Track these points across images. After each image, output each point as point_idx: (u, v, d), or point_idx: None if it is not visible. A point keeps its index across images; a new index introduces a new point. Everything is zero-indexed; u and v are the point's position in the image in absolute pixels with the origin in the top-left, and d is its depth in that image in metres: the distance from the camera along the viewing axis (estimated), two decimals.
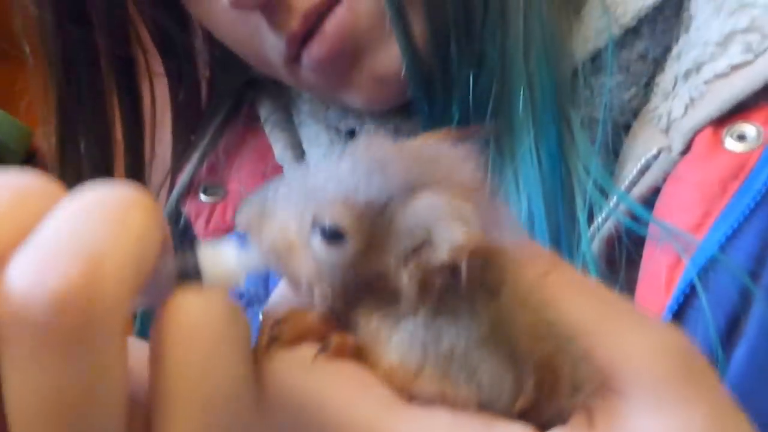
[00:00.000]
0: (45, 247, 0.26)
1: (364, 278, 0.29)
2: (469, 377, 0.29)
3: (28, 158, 0.89)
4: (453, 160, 0.30)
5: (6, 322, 0.25)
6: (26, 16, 0.61)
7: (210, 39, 0.65)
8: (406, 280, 0.28)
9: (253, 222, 0.30)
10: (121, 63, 0.66)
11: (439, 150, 0.31)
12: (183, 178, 0.64)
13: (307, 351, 0.30)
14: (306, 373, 0.30)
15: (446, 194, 0.28)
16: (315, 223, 0.29)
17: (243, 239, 0.31)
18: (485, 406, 0.29)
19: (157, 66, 0.67)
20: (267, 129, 0.64)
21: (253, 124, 0.66)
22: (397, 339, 0.29)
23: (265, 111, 0.65)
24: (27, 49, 0.63)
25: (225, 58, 0.64)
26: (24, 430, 0.26)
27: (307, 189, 0.29)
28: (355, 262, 0.29)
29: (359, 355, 0.30)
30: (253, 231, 0.30)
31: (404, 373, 0.29)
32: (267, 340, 0.30)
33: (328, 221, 0.28)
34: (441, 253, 0.28)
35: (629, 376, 0.29)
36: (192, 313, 0.28)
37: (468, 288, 0.29)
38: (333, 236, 0.28)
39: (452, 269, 0.28)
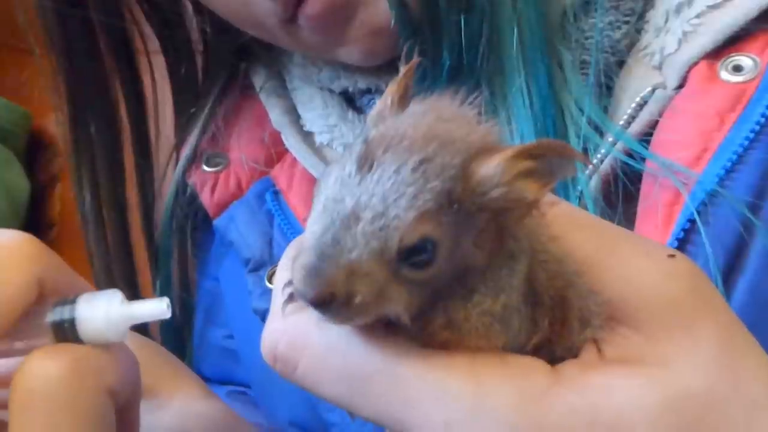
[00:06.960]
0: None
1: (447, 273, 0.28)
2: (505, 328, 0.29)
3: (33, 140, 0.90)
4: (462, 121, 0.29)
5: None
6: (27, 7, 0.63)
7: (200, 10, 0.66)
8: (479, 255, 0.28)
9: (333, 284, 0.26)
10: (120, 45, 0.67)
11: (442, 115, 0.29)
12: (187, 150, 0.66)
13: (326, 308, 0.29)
14: (326, 327, 0.29)
15: (499, 157, 0.27)
16: (403, 251, 0.26)
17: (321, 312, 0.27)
18: (506, 348, 0.29)
19: (154, 46, 0.68)
20: (263, 97, 0.65)
21: (248, 92, 0.67)
22: (463, 318, 0.29)
23: (259, 79, 0.66)
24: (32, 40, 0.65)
25: (217, 28, 0.65)
26: None
27: (363, 222, 0.26)
28: (446, 262, 0.27)
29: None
30: (338, 300, 0.26)
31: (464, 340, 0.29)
32: (283, 300, 0.30)
33: (415, 241, 0.26)
34: (519, 212, 0.27)
35: (636, 305, 0.29)
36: (31, 380, 0.29)
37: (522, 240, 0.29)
38: (424, 252, 0.26)
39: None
